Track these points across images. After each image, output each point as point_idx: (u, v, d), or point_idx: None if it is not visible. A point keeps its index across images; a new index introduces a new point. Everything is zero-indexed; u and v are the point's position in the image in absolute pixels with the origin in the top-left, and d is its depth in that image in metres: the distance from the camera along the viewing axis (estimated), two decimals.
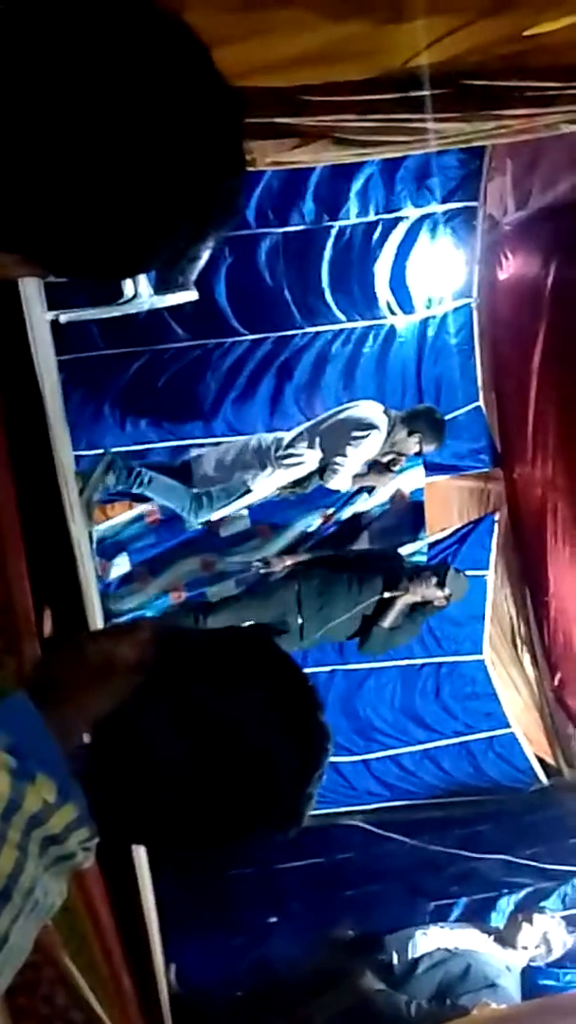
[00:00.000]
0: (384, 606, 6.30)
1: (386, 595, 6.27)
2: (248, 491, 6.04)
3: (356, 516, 7.06)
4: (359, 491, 6.85)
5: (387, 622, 6.29)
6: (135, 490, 5.92)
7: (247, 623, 6.24)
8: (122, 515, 6.67)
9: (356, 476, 6.23)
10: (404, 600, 6.27)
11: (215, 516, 6.14)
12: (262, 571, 6.58)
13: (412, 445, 6.20)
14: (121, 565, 6.53)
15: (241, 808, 1.24)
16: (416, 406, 6.56)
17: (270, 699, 1.26)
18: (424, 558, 7.21)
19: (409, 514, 7.25)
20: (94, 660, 1.25)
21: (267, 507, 6.68)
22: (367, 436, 5.96)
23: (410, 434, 6.15)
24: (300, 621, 6.22)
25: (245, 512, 6.59)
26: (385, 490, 6.98)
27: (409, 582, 6.30)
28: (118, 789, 1.21)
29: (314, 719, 1.29)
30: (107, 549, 6.45)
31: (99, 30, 0.98)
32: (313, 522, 6.94)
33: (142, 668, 1.23)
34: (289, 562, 6.64)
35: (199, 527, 6.32)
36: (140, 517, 6.67)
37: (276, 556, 6.71)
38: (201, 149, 1.04)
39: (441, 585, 6.26)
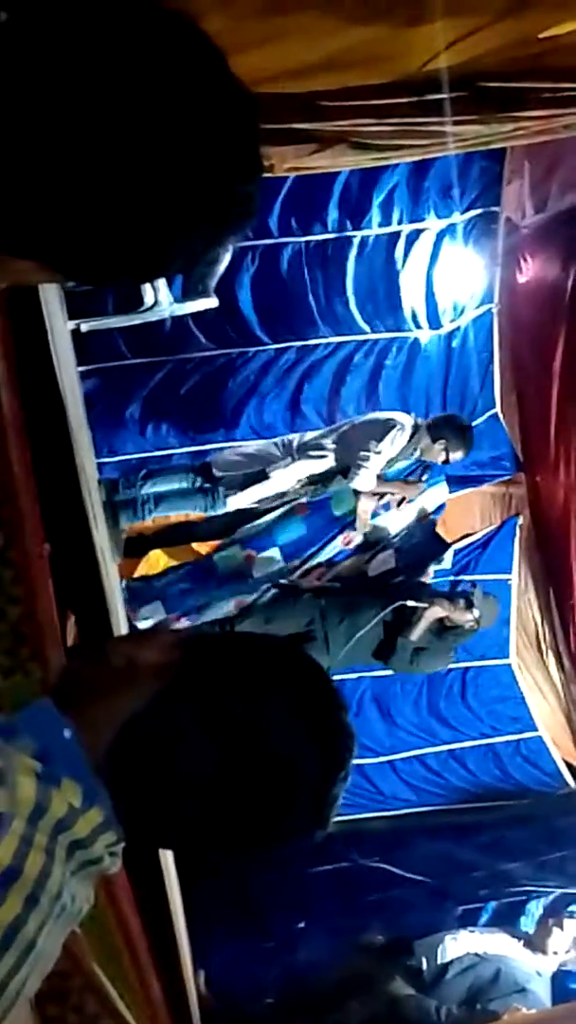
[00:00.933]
0: (407, 616, 6.28)
1: (409, 603, 6.25)
2: (267, 478, 6.04)
3: (379, 539, 7.00)
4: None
5: (413, 635, 6.24)
6: (148, 517, 5.93)
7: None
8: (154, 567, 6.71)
9: (384, 482, 6.22)
10: (430, 614, 6.25)
11: (232, 505, 6.11)
12: (288, 582, 6.56)
13: (438, 453, 6.18)
14: (152, 614, 6.44)
15: (266, 811, 1.24)
16: (441, 413, 6.54)
17: (294, 701, 1.25)
18: (448, 564, 7.19)
19: (431, 536, 7.22)
20: (118, 664, 1.25)
21: (297, 544, 6.66)
22: (391, 431, 5.96)
23: (435, 441, 6.14)
24: (325, 632, 6.20)
25: (277, 554, 6.56)
26: (410, 509, 6.95)
27: (434, 597, 6.29)
28: (143, 793, 1.21)
29: (338, 720, 1.28)
30: (139, 597, 6.41)
31: (113, 34, 0.98)
32: (336, 548, 6.92)
33: (166, 672, 1.24)
34: (316, 581, 6.62)
35: (220, 514, 6.26)
36: (171, 569, 6.67)
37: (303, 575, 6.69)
38: (217, 151, 1.04)
39: (470, 607, 6.25)
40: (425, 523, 7.06)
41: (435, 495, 7.00)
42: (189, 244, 1.10)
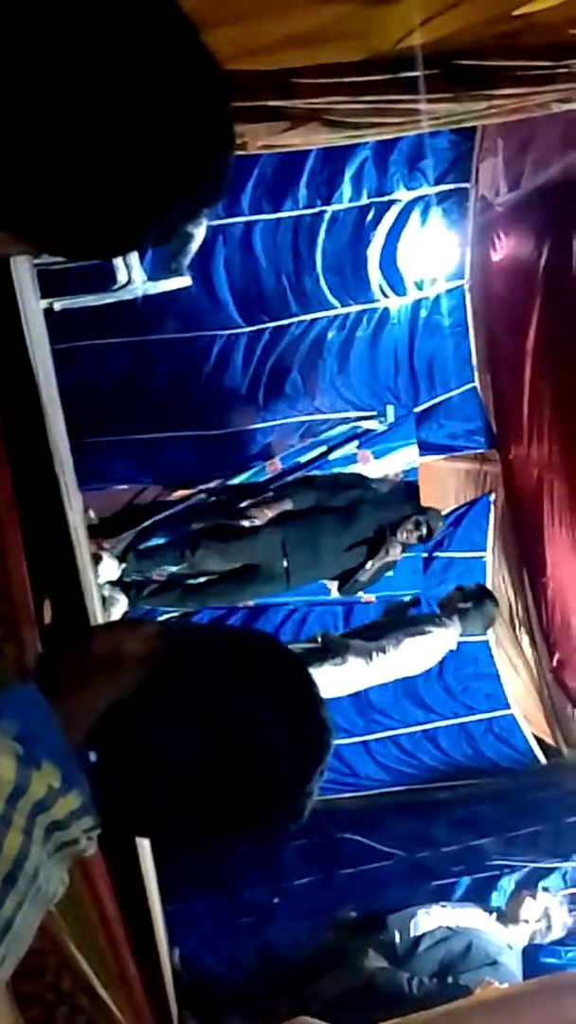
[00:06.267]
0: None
1: (367, 565, 6.53)
2: None
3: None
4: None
5: (364, 578, 6.56)
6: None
7: (233, 563, 6.49)
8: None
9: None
10: (381, 562, 6.52)
11: None
12: (247, 525, 6.63)
13: None
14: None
15: (243, 803, 1.25)
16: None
17: (275, 695, 1.27)
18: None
19: (403, 495, 7.27)
20: (102, 652, 1.26)
21: None
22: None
23: None
24: (285, 565, 6.46)
25: None
26: (378, 468, 7.03)
27: (389, 547, 6.52)
28: (121, 781, 1.21)
29: (317, 715, 1.30)
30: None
31: (89, 4, 0.98)
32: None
33: (149, 662, 1.24)
34: (271, 513, 6.67)
35: None
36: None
37: (257, 508, 6.75)
38: (192, 119, 1.04)
39: (418, 526, 6.54)
40: (396, 485, 7.13)
41: (404, 456, 7.06)
42: (164, 215, 1.10)
